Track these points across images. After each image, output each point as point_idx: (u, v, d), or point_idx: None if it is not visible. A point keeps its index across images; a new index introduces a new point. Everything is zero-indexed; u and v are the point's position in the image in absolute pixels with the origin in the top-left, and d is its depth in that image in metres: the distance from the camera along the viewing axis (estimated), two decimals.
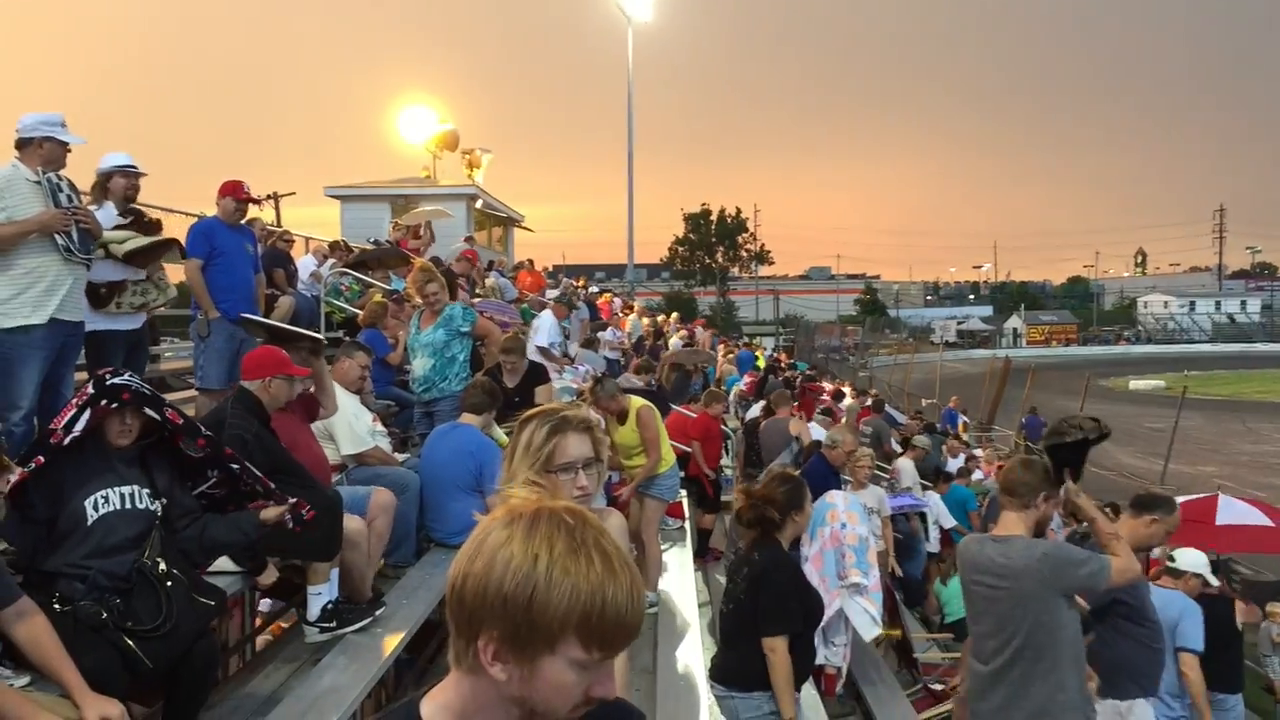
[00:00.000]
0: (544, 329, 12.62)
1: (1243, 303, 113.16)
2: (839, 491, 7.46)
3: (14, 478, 3.53)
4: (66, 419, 3.76)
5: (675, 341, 21.43)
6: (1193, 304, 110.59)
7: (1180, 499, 8.62)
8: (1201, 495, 7.83)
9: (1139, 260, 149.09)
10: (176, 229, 8.42)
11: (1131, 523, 5.21)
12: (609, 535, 1.37)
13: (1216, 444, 32.57)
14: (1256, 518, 6.55)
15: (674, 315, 29.66)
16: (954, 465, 16.51)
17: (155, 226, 6.81)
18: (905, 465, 13.49)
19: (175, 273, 7.21)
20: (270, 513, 4.17)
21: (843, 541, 6.87)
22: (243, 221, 7.58)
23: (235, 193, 7.30)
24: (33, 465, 3.64)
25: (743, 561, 5.15)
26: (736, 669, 5.03)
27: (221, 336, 7.09)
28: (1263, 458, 29.67)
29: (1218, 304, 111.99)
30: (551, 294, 22.11)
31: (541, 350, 11.85)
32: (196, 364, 7.32)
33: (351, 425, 6.14)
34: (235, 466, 4.11)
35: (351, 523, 5.01)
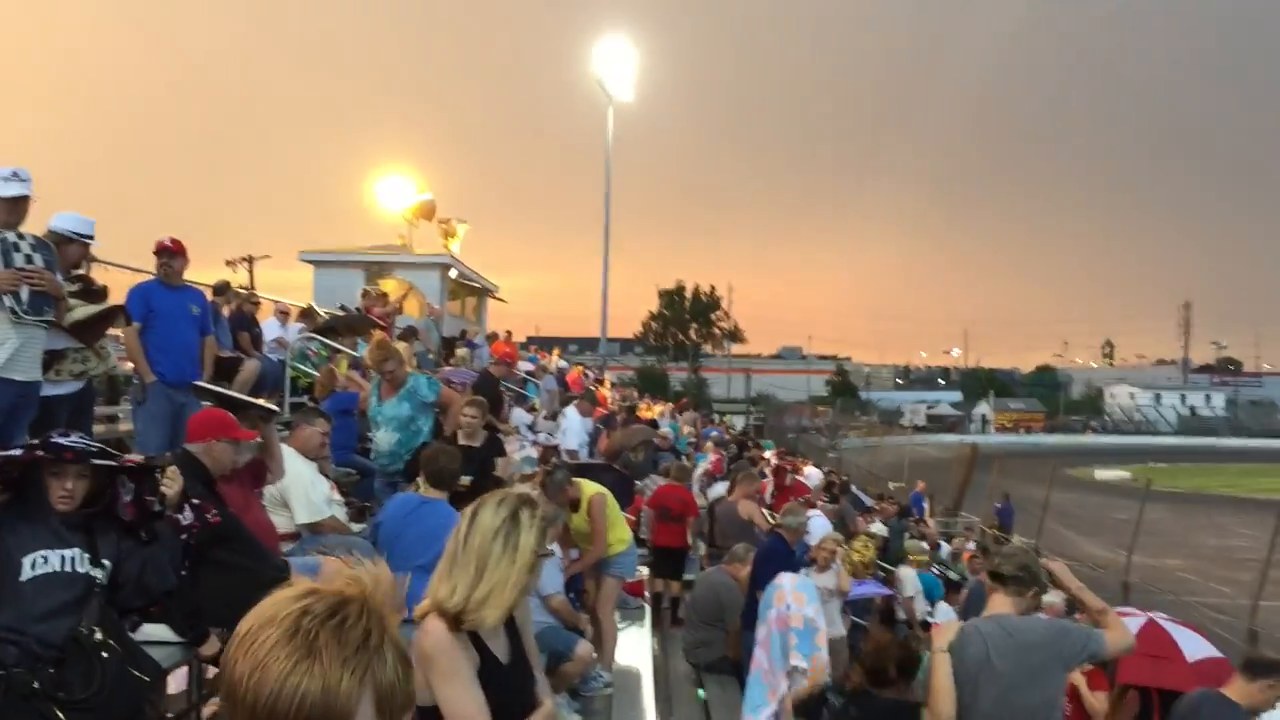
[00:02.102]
0: (571, 431, 12.42)
1: (1207, 396, 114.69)
2: (788, 573, 7.40)
3: None
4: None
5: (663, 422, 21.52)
6: (1158, 396, 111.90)
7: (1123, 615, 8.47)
8: (1131, 614, 7.61)
9: (1106, 351, 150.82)
10: None
11: (1246, 687, 5.14)
12: (358, 632, 1.23)
13: (1181, 537, 32.66)
14: (1211, 649, 6.40)
15: (670, 405, 29.51)
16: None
17: (102, 295, 6.66)
18: (907, 574, 13.15)
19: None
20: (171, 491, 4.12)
21: (788, 624, 6.79)
22: (185, 281, 7.40)
23: (160, 248, 7.13)
24: None
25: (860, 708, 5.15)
26: None
27: (158, 401, 6.93)
28: (1227, 552, 29.71)
29: (1183, 397, 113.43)
30: (525, 367, 22.05)
31: (569, 453, 11.77)
32: (136, 429, 7.16)
33: (308, 493, 6.05)
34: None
35: None
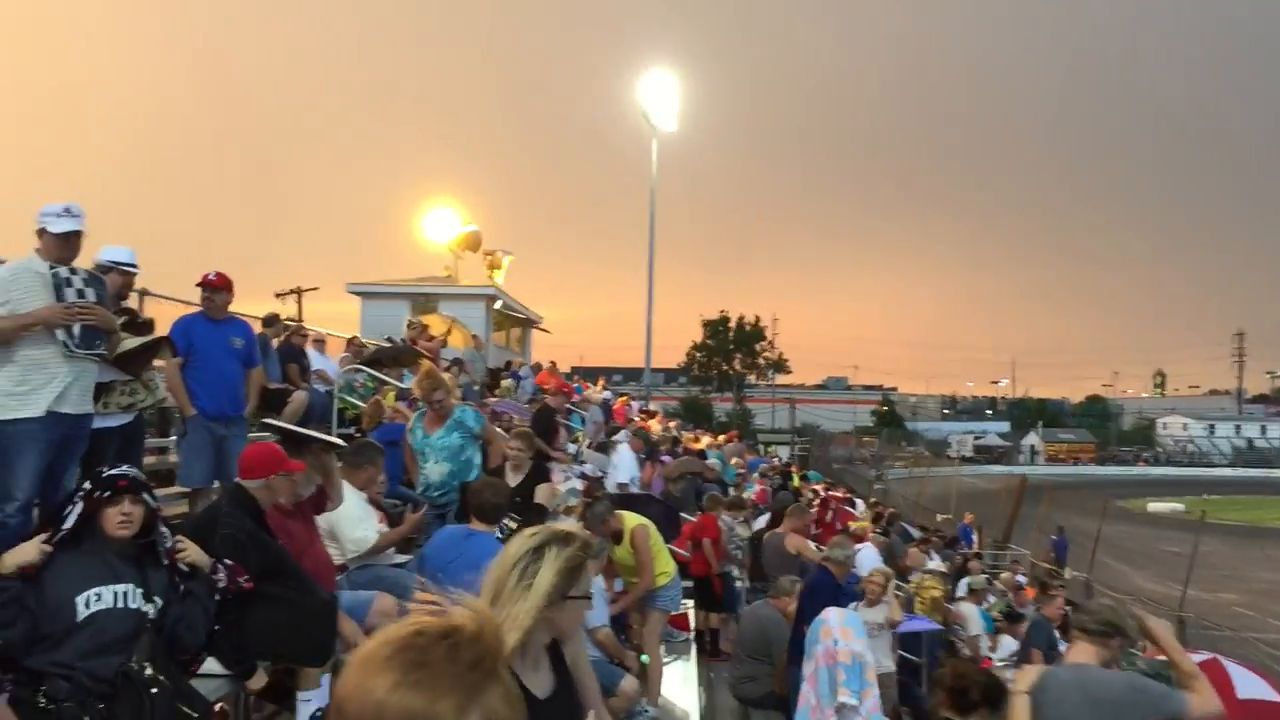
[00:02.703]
0: (623, 465, 12.56)
1: (1263, 427, 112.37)
2: (835, 608, 7.30)
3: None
4: (63, 514, 3.80)
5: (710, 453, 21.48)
6: (1212, 427, 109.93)
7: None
8: (1199, 655, 7.43)
9: (1158, 381, 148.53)
10: None
11: None
12: (472, 666, 1.24)
13: (1236, 570, 31.96)
14: (1268, 692, 6.23)
15: (723, 436, 29.29)
16: (965, 585, 16.13)
17: (147, 327, 6.69)
18: (970, 610, 12.91)
19: None
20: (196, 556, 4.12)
21: (836, 659, 6.70)
22: (229, 314, 7.40)
23: (202, 282, 7.17)
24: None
25: None
26: None
27: (198, 434, 6.96)
28: None
29: (1237, 428, 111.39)
30: (595, 397, 21.98)
31: (620, 486, 11.87)
32: (180, 462, 7.20)
33: (352, 531, 6.06)
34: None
35: (347, 626, 4.93)
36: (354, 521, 6.04)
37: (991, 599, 14.57)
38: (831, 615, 7.11)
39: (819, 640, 6.89)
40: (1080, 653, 4.50)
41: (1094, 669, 4.40)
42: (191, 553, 4.12)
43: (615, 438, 16.30)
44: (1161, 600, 22.90)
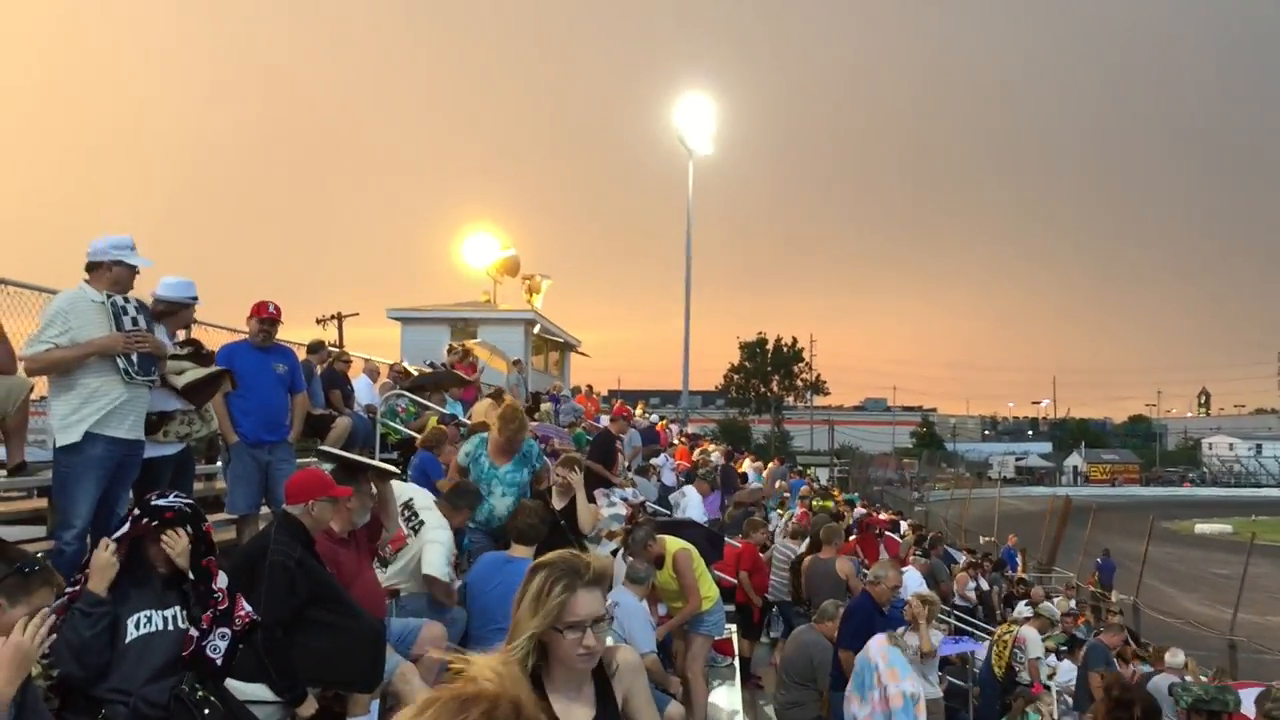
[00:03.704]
0: (692, 507, 12.65)
1: None
2: (877, 643, 7.23)
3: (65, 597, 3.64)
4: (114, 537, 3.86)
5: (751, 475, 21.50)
6: (1259, 447, 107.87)
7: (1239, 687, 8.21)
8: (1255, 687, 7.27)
9: (1203, 400, 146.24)
10: None
11: None
12: None
13: None
14: None
15: (770, 464, 29.26)
16: (1019, 609, 15.95)
17: (211, 358, 6.76)
18: (1031, 635, 12.74)
19: None
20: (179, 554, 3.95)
21: (890, 705, 6.69)
22: (274, 341, 7.39)
23: (259, 312, 7.21)
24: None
25: None
26: None
27: (242, 461, 6.98)
28: None
29: None
30: (604, 420, 22.07)
31: None
32: (227, 489, 7.25)
33: (431, 554, 6.09)
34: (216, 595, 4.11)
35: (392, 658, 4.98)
36: (438, 551, 6.08)
37: (1053, 631, 14.35)
38: (878, 657, 7.07)
39: (874, 686, 6.89)
40: None
41: None
42: (179, 549, 3.94)
43: (656, 461, 16.32)
44: (1211, 624, 22.52)
